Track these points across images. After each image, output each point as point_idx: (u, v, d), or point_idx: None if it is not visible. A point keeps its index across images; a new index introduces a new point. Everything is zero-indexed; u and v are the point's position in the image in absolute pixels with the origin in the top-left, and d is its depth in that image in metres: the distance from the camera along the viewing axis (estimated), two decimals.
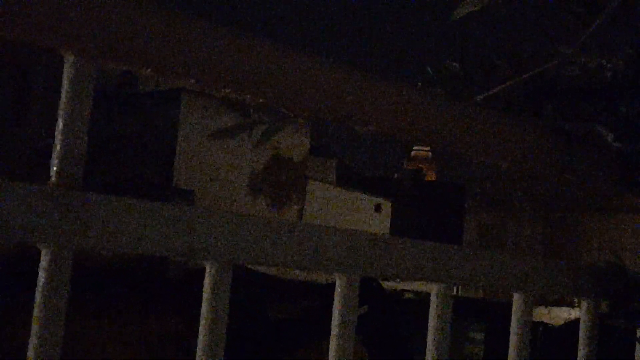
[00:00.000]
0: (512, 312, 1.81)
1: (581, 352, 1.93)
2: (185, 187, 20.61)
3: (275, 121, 1.84)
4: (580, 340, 1.94)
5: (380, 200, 27.71)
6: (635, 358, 2.02)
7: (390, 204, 27.88)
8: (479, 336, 13.06)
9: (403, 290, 17.54)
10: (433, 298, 1.66)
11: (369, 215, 26.19)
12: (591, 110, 2.06)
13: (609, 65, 2.08)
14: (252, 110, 1.80)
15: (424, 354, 1.67)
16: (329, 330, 1.51)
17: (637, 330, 1.99)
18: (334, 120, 1.50)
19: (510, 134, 1.80)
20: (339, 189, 26.14)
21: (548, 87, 2.04)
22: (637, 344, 2.01)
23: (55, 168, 1.17)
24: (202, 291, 1.35)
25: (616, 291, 1.97)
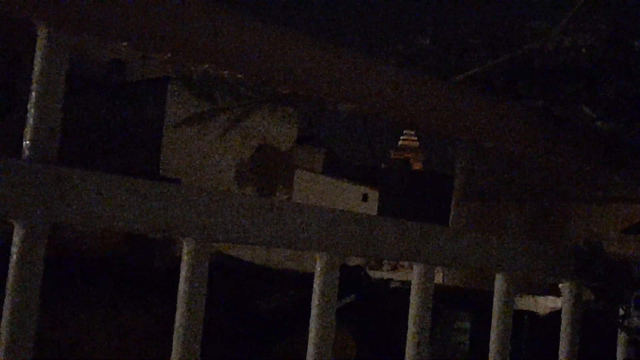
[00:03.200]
0: (494, 293, 1.80)
1: (564, 334, 1.93)
2: (172, 176, 20.54)
3: (243, 106, 1.82)
4: (563, 322, 1.93)
5: (367, 189, 27.74)
6: (617, 340, 2.01)
7: (377, 193, 27.92)
8: (466, 325, 13.09)
9: (390, 280, 17.55)
10: (414, 278, 1.65)
11: (356, 204, 26.18)
12: (572, 91, 2.04)
13: (587, 44, 2.06)
14: (219, 97, 1.78)
15: None
16: None
17: (619, 311, 1.99)
18: (312, 97, 1.49)
19: (493, 114, 1.79)
20: (326, 178, 26.14)
21: (525, 67, 2.03)
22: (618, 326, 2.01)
23: (28, 142, 1.14)
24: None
25: (597, 273, 1.96)
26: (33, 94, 1.15)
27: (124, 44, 1.21)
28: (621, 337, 2.02)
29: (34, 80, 1.15)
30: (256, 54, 1.37)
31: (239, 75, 1.35)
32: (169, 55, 1.27)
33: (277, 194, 23.19)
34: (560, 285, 2.05)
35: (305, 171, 24.91)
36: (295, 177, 23.87)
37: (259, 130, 22.45)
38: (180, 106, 20.97)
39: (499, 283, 1.80)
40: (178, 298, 1.33)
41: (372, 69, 1.55)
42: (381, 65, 1.59)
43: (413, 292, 1.65)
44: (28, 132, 1.15)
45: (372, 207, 27.08)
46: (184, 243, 1.31)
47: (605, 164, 1.99)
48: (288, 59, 1.41)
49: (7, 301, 1.15)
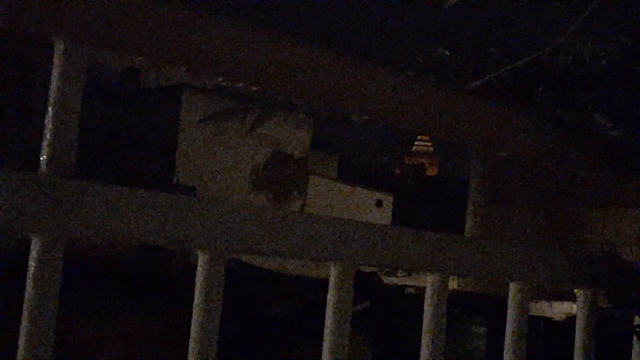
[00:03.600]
0: (509, 301, 1.80)
1: (578, 341, 1.92)
2: (186, 183, 20.60)
3: (267, 108, 1.83)
4: (577, 329, 1.93)
5: (381, 195, 27.71)
6: (633, 347, 2.01)
7: (391, 199, 27.88)
8: (481, 330, 13.05)
9: (404, 286, 17.52)
10: (429, 287, 1.66)
11: (370, 210, 26.16)
12: (587, 98, 2.05)
13: (602, 53, 2.07)
14: (245, 99, 1.79)
15: None
16: None
17: (635, 319, 1.99)
18: (328, 107, 1.50)
19: (505, 123, 1.79)
20: (340, 184, 26.12)
21: (542, 75, 2.03)
22: (635, 334, 2.01)
23: (45, 156, 1.16)
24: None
25: (612, 280, 1.96)
26: (50, 108, 1.16)
27: (139, 58, 1.22)
28: (637, 344, 2.01)
29: (51, 95, 1.17)
30: (271, 67, 1.38)
31: (254, 88, 1.36)
32: (184, 69, 1.28)
33: (291, 200, 23.21)
34: (575, 291, 2.04)
35: (319, 177, 24.91)
36: (309, 183, 23.87)
37: (273, 137, 22.47)
38: (194, 113, 21.02)
39: (513, 291, 1.80)
40: (194, 309, 1.34)
41: (385, 79, 1.56)
42: (395, 75, 1.60)
43: (427, 302, 1.66)
44: (45, 146, 1.16)
45: (386, 213, 27.04)
46: (199, 255, 1.32)
47: (617, 172, 1.99)
48: (301, 70, 1.43)
49: (25, 314, 1.16)
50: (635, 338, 2.00)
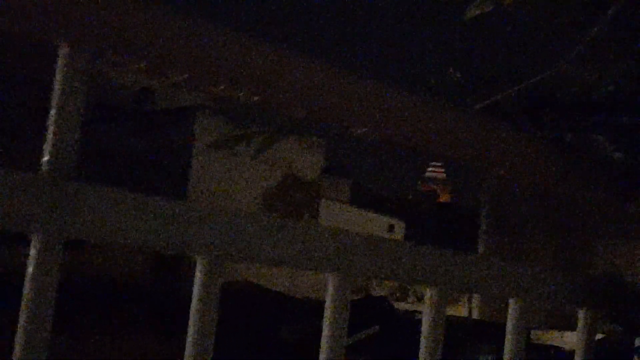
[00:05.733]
0: (508, 319, 1.81)
1: None
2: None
3: (275, 132, 1.86)
4: (576, 350, 1.93)
5: (393, 220, 27.68)
6: None
7: (403, 224, 27.85)
8: (489, 358, 12.99)
9: (415, 311, 17.47)
10: (427, 302, 1.66)
11: (382, 235, 26.13)
12: (591, 121, 2.06)
13: (608, 80, 2.08)
14: (250, 122, 1.81)
15: None
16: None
17: (636, 340, 1.98)
18: (328, 121, 1.51)
19: (506, 142, 1.80)
20: (352, 208, 26.13)
21: (547, 98, 2.05)
22: (635, 355, 2.00)
23: (46, 157, 1.18)
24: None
25: (614, 302, 1.96)
26: (52, 110, 1.18)
27: (142, 63, 1.24)
28: None
29: (53, 96, 1.19)
30: (272, 79, 1.40)
31: (255, 98, 1.38)
32: (186, 76, 1.30)
33: None
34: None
35: (331, 201, 24.92)
36: (321, 207, 23.88)
37: (285, 160, 22.54)
38: (208, 135, 21.12)
39: (513, 309, 1.80)
40: (190, 317, 1.35)
41: (386, 95, 1.58)
42: (397, 92, 1.61)
43: (425, 317, 1.66)
44: (46, 148, 1.18)
45: (398, 239, 26.98)
46: (197, 261, 1.34)
47: (621, 195, 1.99)
48: (303, 84, 1.45)
49: (22, 315, 1.18)
50: (635, 358, 1.99)
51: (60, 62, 1.18)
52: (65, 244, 1.19)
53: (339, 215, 24.96)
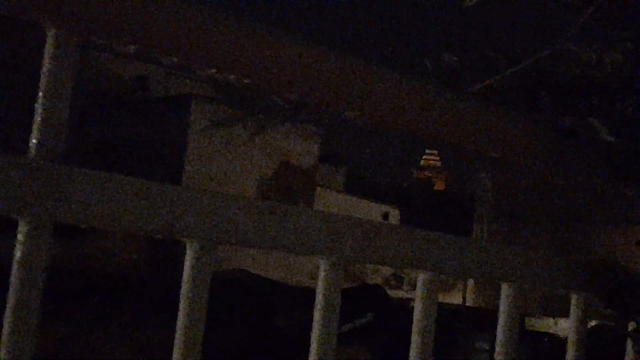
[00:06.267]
0: (500, 303, 1.80)
1: (570, 342, 1.92)
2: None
3: (269, 115, 1.84)
4: (569, 332, 1.93)
5: (388, 208, 27.68)
6: (626, 352, 2.00)
7: (398, 212, 27.85)
8: (486, 346, 13.01)
9: (410, 299, 17.48)
10: (419, 286, 1.65)
11: None
12: (587, 104, 2.05)
13: (607, 59, 2.07)
14: (250, 104, 1.80)
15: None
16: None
17: (628, 325, 1.98)
18: (321, 105, 1.50)
19: (501, 125, 1.79)
20: (347, 196, 26.12)
21: (544, 80, 2.04)
22: (627, 339, 2.00)
23: (35, 140, 1.17)
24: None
25: (608, 286, 1.96)
26: (40, 93, 1.17)
27: (131, 46, 1.23)
28: (629, 350, 2.01)
29: (41, 80, 1.18)
30: (264, 61, 1.39)
31: (246, 80, 1.37)
32: (176, 59, 1.29)
33: None
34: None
35: (326, 189, 24.91)
36: (316, 195, 23.86)
37: (281, 148, 22.49)
38: (203, 122, 21.04)
39: (505, 293, 1.80)
40: (180, 300, 1.34)
41: (380, 78, 1.56)
42: (390, 75, 1.60)
43: (417, 301, 1.66)
44: (34, 130, 1.17)
45: None
46: (187, 245, 1.33)
47: (617, 179, 1.99)
48: (295, 66, 1.43)
49: (11, 297, 1.17)
50: (628, 341, 1.99)
51: (48, 45, 1.17)
52: (58, 233, 1.18)
53: (334, 203, 24.94)
